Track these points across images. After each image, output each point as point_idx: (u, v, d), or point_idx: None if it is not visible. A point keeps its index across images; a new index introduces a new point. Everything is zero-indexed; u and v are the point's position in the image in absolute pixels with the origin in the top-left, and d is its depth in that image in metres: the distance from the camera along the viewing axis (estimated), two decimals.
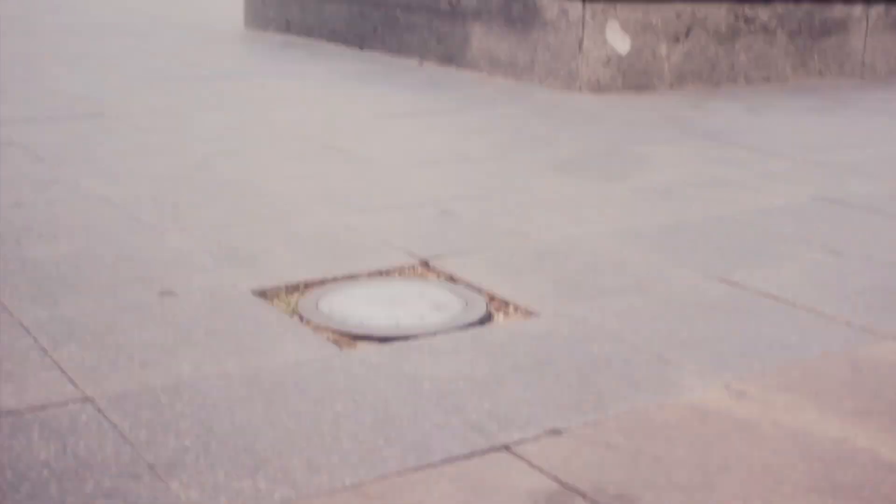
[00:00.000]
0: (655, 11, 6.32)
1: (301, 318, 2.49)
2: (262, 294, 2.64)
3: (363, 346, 2.34)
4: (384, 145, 4.55)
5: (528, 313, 2.57)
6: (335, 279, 2.78)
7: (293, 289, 2.70)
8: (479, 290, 2.72)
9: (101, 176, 3.87)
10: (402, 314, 2.53)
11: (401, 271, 2.88)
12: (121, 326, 2.40)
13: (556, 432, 1.92)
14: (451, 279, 2.81)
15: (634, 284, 2.79)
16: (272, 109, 5.40)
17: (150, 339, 2.32)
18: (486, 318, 2.52)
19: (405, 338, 2.37)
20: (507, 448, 1.85)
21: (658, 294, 2.71)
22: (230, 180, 3.84)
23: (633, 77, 6.33)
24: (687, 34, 6.48)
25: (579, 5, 6.07)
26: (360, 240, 3.13)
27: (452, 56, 7.00)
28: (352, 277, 2.80)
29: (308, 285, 2.72)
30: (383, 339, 2.38)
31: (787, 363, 2.29)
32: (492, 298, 2.66)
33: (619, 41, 6.23)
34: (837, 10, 7.02)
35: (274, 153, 4.35)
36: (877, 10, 7.21)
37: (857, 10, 7.11)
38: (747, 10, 6.60)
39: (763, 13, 6.67)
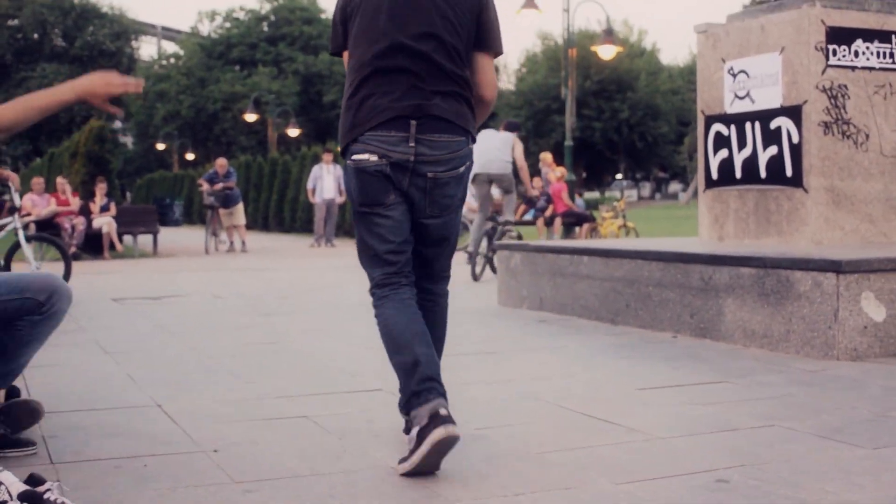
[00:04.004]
0: None
1: None
2: None
3: None
4: (649, 416, 4.70)
5: None
6: None
7: None
8: None
9: (388, 447, 4.15)
10: None
11: None
12: None
13: None
14: None
15: None
16: (538, 380, 5.66)
17: None
18: None
19: None
20: None
21: None
22: (508, 452, 4.05)
23: (891, 344, 6.34)
24: None
25: (833, 277, 6.19)
26: None
27: (706, 329, 7.16)
28: None
29: None
30: None
31: None
32: None
33: (875, 309, 6.28)
34: None
35: (548, 425, 4.56)
36: None
37: None
38: None
39: None
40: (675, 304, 7.46)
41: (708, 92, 8.88)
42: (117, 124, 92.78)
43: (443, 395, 3.73)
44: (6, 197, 11.88)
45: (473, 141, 4.09)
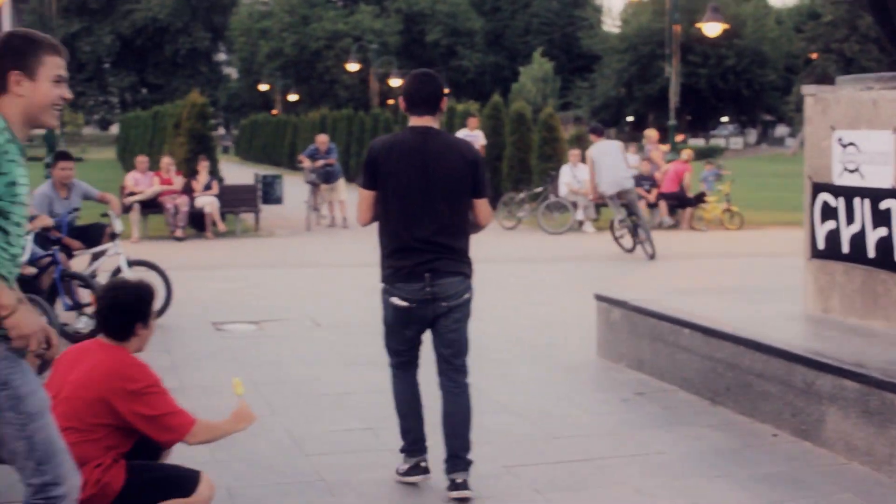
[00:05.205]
0: None
1: None
2: None
3: None
4: None
5: None
6: None
7: None
8: None
9: None
10: None
11: None
12: None
13: None
14: None
15: None
16: None
17: None
18: None
19: None
20: None
21: None
22: None
23: None
24: None
25: None
26: None
27: (807, 432, 7.05)
28: None
29: None
30: None
31: None
32: None
33: None
34: None
35: None
36: None
37: None
38: None
39: None
40: (777, 400, 7.35)
41: (816, 158, 8.64)
42: (221, 56, 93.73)
43: (424, 451, 6.24)
44: (107, 221, 12.04)
45: (469, 278, 6.04)
